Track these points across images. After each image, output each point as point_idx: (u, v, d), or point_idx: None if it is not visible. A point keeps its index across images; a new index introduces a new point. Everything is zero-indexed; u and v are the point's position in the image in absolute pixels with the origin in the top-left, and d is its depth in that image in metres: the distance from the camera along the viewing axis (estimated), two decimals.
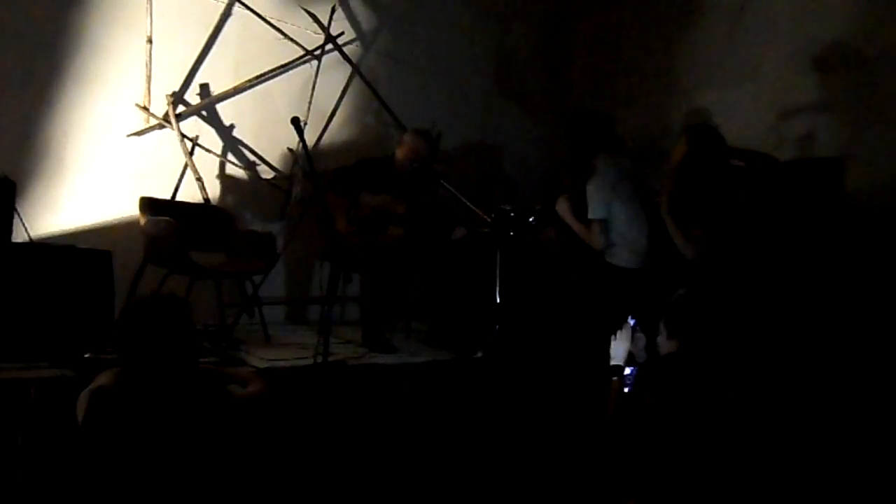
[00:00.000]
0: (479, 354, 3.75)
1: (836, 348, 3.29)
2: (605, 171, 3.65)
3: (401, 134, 4.37)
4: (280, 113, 4.38)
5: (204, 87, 4.36)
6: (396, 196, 4.05)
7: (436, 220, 4.18)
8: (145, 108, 4.13)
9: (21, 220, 3.41)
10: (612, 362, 2.86)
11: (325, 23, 4.64)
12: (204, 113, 4.38)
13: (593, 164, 3.69)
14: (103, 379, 1.97)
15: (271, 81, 4.54)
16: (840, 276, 3.52)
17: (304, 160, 3.86)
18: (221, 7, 4.37)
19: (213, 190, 4.35)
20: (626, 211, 3.64)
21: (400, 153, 4.11)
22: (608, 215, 3.60)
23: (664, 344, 2.51)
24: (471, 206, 3.72)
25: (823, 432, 2.91)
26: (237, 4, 4.39)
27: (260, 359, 3.33)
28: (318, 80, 4.65)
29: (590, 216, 3.61)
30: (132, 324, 1.93)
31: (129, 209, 3.91)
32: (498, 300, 3.55)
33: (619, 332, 2.86)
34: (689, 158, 3.49)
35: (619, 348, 2.83)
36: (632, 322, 2.85)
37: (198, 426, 1.89)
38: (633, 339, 2.81)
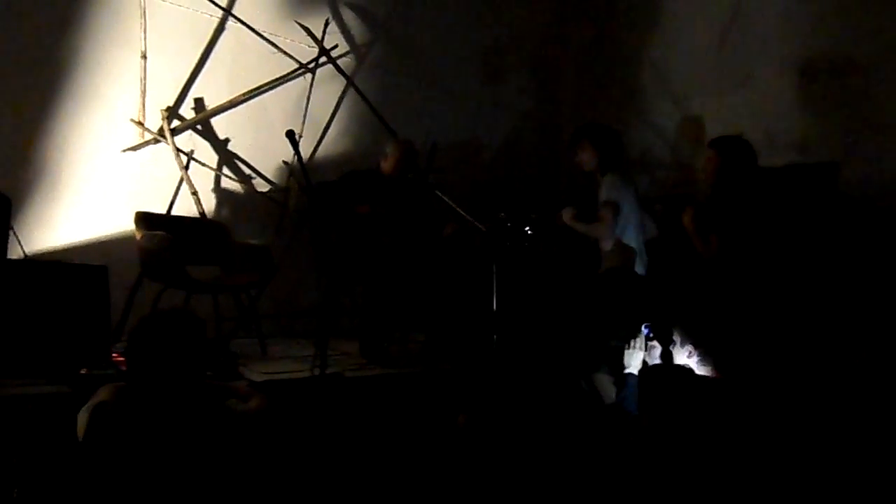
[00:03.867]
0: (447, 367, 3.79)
1: (836, 352, 3.31)
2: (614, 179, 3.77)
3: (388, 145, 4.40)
4: (275, 126, 4.39)
5: (198, 102, 4.37)
6: (382, 204, 4.11)
7: (427, 223, 4.21)
8: (140, 124, 4.14)
9: (16, 236, 3.40)
10: (626, 371, 2.86)
11: (319, 36, 4.66)
12: (199, 127, 4.39)
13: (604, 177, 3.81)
14: (103, 394, 1.96)
15: (266, 95, 4.56)
16: (837, 279, 3.53)
17: (300, 173, 3.87)
18: (215, 22, 4.39)
19: (209, 204, 4.36)
20: (634, 218, 3.74)
21: (386, 164, 4.16)
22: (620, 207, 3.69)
23: (679, 353, 2.51)
24: (466, 216, 3.72)
25: (822, 431, 2.91)
26: (231, 19, 4.41)
27: (257, 372, 3.32)
28: (312, 92, 4.66)
29: (603, 199, 3.68)
30: (148, 338, 1.92)
31: (124, 224, 3.90)
32: (495, 309, 3.55)
33: (633, 341, 2.85)
34: (722, 169, 3.52)
35: (633, 357, 2.83)
36: (646, 330, 2.84)
37: (198, 441, 1.88)
38: (647, 348, 2.80)
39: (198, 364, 1.94)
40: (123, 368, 2.96)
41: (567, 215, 3.81)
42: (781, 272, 3.39)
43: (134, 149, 4.15)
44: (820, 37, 4.12)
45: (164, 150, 4.22)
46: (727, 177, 3.50)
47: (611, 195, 3.71)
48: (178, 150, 4.23)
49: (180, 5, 4.25)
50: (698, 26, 4.77)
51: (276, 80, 4.58)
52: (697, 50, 4.75)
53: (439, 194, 3.86)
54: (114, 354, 3.11)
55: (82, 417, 1.91)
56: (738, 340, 3.26)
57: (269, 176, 4.58)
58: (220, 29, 4.41)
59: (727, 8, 4.59)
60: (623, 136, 4.01)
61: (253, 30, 4.45)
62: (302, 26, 4.63)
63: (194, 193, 4.23)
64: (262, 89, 4.53)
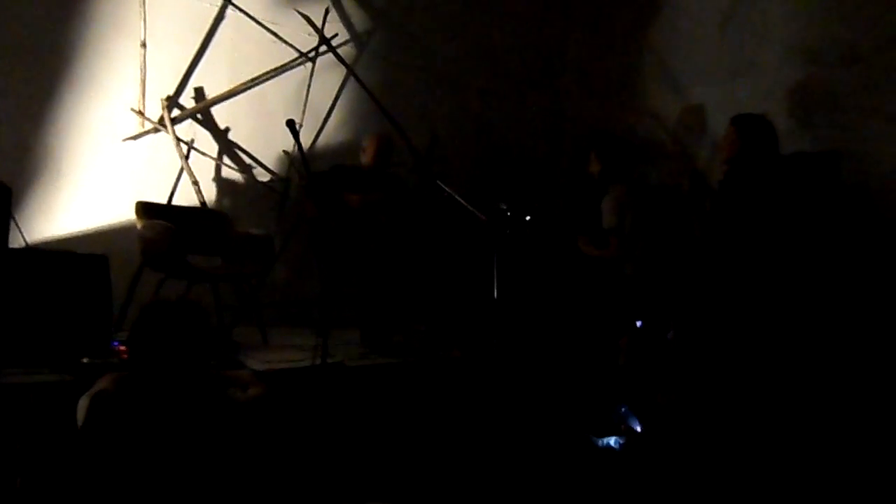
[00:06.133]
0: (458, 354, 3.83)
1: (835, 340, 3.31)
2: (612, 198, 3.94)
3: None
4: (275, 115, 4.37)
5: (199, 91, 4.36)
6: (373, 190, 4.16)
7: (422, 213, 4.25)
8: (140, 113, 4.13)
9: (17, 225, 3.40)
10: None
11: (319, 24, 4.64)
12: (199, 116, 4.38)
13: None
14: (104, 383, 1.97)
15: (266, 84, 4.55)
16: (838, 268, 3.53)
17: (300, 162, 3.87)
18: (215, 10, 4.37)
19: (210, 193, 4.35)
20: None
21: (364, 158, 4.22)
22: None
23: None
24: (468, 206, 3.72)
25: (820, 424, 2.92)
26: (230, 7, 4.39)
27: (258, 361, 3.33)
28: (312, 81, 4.65)
29: (605, 225, 3.87)
30: (153, 327, 1.91)
31: (125, 213, 3.90)
32: (495, 298, 3.56)
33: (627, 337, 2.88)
34: (742, 151, 3.51)
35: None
36: (639, 325, 2.87)
37: (199, 430, 1.88)
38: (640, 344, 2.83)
39: (201, 354, 1.94)
40: (124, 357, 2.98)
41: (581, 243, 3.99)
42: (783, 261, 3.38)
43: (134, 138, 4.14)
44: (823, 24, 4.10)
45: (164, 139, 4.21)
46: (744, 158, 3.49)
47: (611, 220, 3.83)
48: (178, 139, 4.22)
49: None
50: (700, 13, 4.74)
51: (277, 69, 4.56)
52: (699, 37, 4.73)
53: (440, 184, 3.86)
54: (115, 343, 3.12)
55: (82, 405, 1.91)
56: (735, 334, 3.26)
57: (269, 165, 4.58)
58: (219, 17, 4.39)
59: None
60: (623, 127, 4.04)
61: (253, 18, 4.44)
62: (302, 15, 4.61)
63: (195, 183, 4.23)
64: (262, 78, 4.52)
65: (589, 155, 4.12)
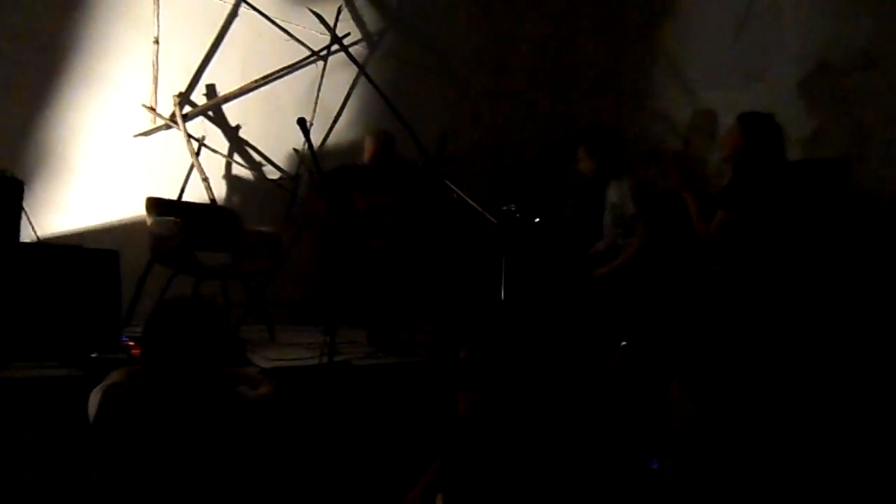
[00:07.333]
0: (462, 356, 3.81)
1: (840, 346, 3.29)
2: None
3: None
4: (286, 113, 4.38)
5: (210, 88, 4.37)
6: (382, 192, 4.17)
7: (429, 209, 4.27)
8: (152, 109, 4.15)
9: (29, 219, 3.42)
10: None
11: (332, 23, 4.65)
12: (210, 113, 4.40)
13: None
14: (115, 377, 1.97)
15: (277, 82, 4.56)
16: (846, 274, 3.51)
17: (310, 161, 3.88)
18: (228, 8, 4.39)
19: (220, 190, 4.37)
20: None
21: (366, 156, 4.27)
22: None
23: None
24: (477, 207, 3.72)
25: (826, 429, 2.90)
26: (244, 5, 4.40)
27: (265, 359, 3.34)
28: (324, 80, 4.66)
29: (633, 211, 3.72)
30: (170, 324, 1.91)
31: (135, 209, 3.92)
32: (502, 300, 3.56)
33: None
34: (746, 151, 3.35)
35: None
36: (623, 345, 2.88)
37: (208, 426, 1.89)
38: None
39: (216, 354, 1.94)
40: (133, 353, 2.99)
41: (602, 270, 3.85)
42: (789, 268, 3.36)
43: (146, 134, 4.16)
44: (835, 31, 4.08)
45: (175, 135, 4.23)
46: (748, 156, 3.34)
47: (641, 204, 3.68)
48: (189, 136, 4.23)
49: None
50: (713, 19, 4.73)
51: (288, 67, 4.57)
52: (712, 41, 4.72)
53: (449, 185, 3.86)
54: (124, 338, 3.13)
55: (94, 398, 1.92)
56: (742, 342, 3.24)
57: (279, 163, 4.59)
58: (232, 15, 4.40)
59: (742, 0, 4.55)
60: (634, 130, 3.98)
61: (266, 16, 4.45)
62: (314, 13, 4.62)
63: (205, 180, 4.24)
64: (273, 76, 4.53)
65: (577, 152, 3.85)
